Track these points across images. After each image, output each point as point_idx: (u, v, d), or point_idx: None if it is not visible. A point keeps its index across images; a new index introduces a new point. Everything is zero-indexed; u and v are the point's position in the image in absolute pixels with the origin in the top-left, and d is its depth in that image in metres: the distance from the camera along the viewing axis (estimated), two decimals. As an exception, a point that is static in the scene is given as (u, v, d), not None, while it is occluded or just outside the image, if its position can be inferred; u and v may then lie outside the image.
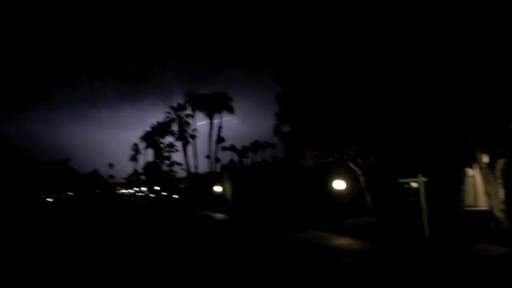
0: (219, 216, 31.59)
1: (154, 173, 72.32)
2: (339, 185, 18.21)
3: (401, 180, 15.29)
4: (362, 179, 18.41)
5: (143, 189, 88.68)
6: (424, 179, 14.74)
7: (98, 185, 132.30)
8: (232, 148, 56.05)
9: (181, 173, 65.26)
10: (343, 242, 16.05)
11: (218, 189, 35.95)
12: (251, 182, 29.54)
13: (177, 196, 61.54)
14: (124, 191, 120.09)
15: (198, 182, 49.10)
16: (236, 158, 52.98)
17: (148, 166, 79.52)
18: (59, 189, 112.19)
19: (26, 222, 39.01)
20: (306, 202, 22.48)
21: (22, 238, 25.26)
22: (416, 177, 15.15)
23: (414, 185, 15.49)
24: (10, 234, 28.60)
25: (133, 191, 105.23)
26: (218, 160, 50.06)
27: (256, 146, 50.71)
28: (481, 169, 15.04)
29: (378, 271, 11.83)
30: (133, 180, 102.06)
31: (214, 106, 48.25)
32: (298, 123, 18.81)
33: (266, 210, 25.68)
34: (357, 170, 18.47)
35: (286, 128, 20.32)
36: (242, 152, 53.34)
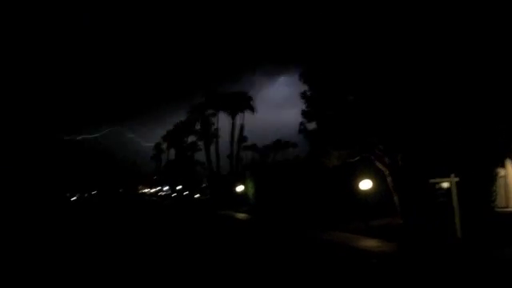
0: (241, 215, 31.42)
1: (175, 172, 72.65)
2: (366, 185, 17.77)
3: (432, 180, 14.74)
4: (389, 179, 17.89)
5: (165, 188, 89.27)
6: (456, 179, 14.18)
7: (121, 183, 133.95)
8: (253, 147, 55.69)
9: (203, 172, 65.26)
10: (370, 243, 15.60)
11: (240, 188, 35.83)
12: (274, 182, 29.26)
13: (198, 195, 61.73)
14: (146, 190, 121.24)
15: (220, 182, 49.07)
16: (257, 157, 52.57)
17: (170, 165, 79.98)
18: (82, 188, 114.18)
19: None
20: (329, 202, 22.06)
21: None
22: (446, 176, 14.61)
23: (445, 185, 14.94)
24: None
25: (154, 190, 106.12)
26: (239, 159, 49.78)
27: (278, 145, 50.26)
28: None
29: (407, 274, 11.39)
30: (155, 179, 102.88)
31: (235, 105, 48.09)
32: (323, 122, 18.42)
33: (288, 210, 25.36)
34: (384, 169, 17.96)
35: (310, 126, 19.95)
36: (264, 151, 52.95)
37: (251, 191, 35.59)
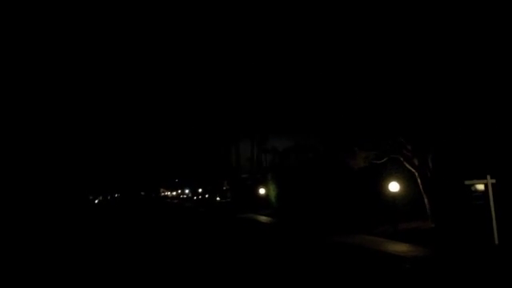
0: (263, 218, 30.84)
1: (197, 175, 72.66)
2: (394, 187, 17.03)
3: (467, 182, 13.91)
4: (419, 181, 17.12)
5: (186, 191, 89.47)
6: (493, 181, 13.35)
7: (143, 186, 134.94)
8: (274, 150, 55.15)
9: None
10: (400, 248, 14.84)
11: (262, 191, 35.30)
12: (297, 184, 28.64)
13: (219, 198, 61.49)
14: (168, 193, 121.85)
15: (241, 185, 48.67)
16: (277, 160, 51.97)
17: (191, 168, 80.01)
18: (105, 190, 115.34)
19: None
20: (355, 205, 21.33)
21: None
22: (481, 178, 13.78)
23: (480, 187, 14.11)
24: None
25: (175, 193, 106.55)
26: (260, 162, 49.30)
27: (298, 148, 49.65)
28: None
29: (442, 281, 10.67)
30: (176, 182, 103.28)
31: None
32: (349, 122, 17.79)
33: (312, 213, 24.70)
34: (413, 170, 17.20)
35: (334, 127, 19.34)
36: (284, 154, 52.36)
37: (273, 194, 35.04)
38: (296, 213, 27.56)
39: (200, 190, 72.01)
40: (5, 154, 52.00)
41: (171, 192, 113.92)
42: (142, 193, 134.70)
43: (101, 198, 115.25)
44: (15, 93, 52.93)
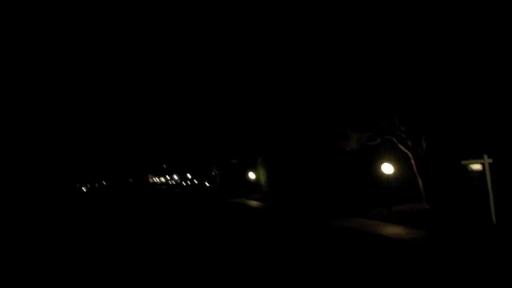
0: (254, 203, 30.52)
1: (185, 160, 71.98)
2: (387, 169, 16.76)
3: (463, 162, 13.62)
4: (413, 162, 16.86)
5: (175, 177, 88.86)
6: (490, 160, 13.09)
7: (130, 173, 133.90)
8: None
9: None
10: (394, 230, 14.60)
11: (251, 175, 34.94)
12: (287, 167, 28.29)
13: (208, 184, 61.10)
14: (156, 179, 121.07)
15: (231, 169, 48.24)
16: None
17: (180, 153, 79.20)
18: (92, 178, 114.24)
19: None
20: (348, 188, 21.03)
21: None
22: (478, 158, 13.52)
23: (477, 167, 13.85)
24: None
25: (164, 179, 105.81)
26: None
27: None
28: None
29: (440, 263, 10.42)
30: (164, 168, 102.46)
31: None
32: (341, 102, 17.37)
33: (304, 197, 24.41)
34: (407, 152, 16.92)
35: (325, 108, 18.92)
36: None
37: (263, 178, 34.73)
38: (287, 197, 27.28)
39: (189, 176, 71.52)
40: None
41: (159, 178, 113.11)
42: (130, 180, 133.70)
43: (88, 186, 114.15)
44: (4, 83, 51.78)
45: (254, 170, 35.54)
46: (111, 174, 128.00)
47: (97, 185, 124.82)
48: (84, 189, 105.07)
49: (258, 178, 35.49)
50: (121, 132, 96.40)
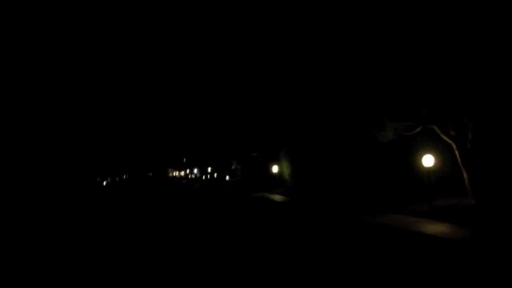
0: (278, 197, 29.27)
1: (205, 154, 71.31)
2: (428, 161, 15.34)
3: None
4: (457, 153, 15.37)
5: (195, 171, 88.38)
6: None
7: (151, 167, 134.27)
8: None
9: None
10: (436, 227, 13.23)
11: (274, 169, 33.67)
12: (314, 160, 26.93)
13: (228, 177, 60.19)
14: (176, 173, 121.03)
15: (251, 163, 47.14)
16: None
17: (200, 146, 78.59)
18: (112, 172, 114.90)
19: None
20: (383, 182, 19.60)
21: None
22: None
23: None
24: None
25: (184, 173, 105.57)
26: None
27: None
28: None
29: (488, 266, 9.09)
30: (184, 162, 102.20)
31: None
32: (376, 88, 15.96)
33: (333, 191, 23.06)
34: (450, 142, 15.44)
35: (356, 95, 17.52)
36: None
37: (287, 171, 33.45)
38: (314, 192, 25.96)
39: (209, 170, 70.81)
40: (14, 139, 51.42)
41: (179, 172, 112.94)
42: (150, 174, 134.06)
43: (109, 179, 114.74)
44: (25, 82, 52.03)
45: (277, 163, 34.30)
46: (132, 168, 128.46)
47: (117, 178, 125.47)
48: (104, 182, 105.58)
49: (280, 172, 34.26)
50: (142, 126, 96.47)
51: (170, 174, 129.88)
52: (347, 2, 16.61)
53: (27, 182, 53.75)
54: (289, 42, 21.21)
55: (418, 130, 15.95)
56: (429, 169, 15.53)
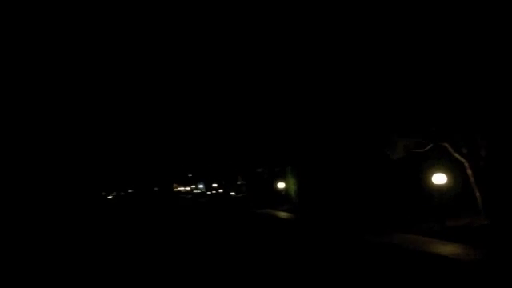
0: (283, 214, 28.77)
1: (210, 169, 70.99)
2: (439, 179, 14.86)
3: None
4: (469, 172, 14.89)
5: (200, 186, 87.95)
6: None
7: (156, 182, 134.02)
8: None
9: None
10: (448, 248, 12.67)
11: (280, 185, 33.23)
12: (321, 177, 26.48)
13: (233, 193, 59.76)
14: (181, 188, 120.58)
15: (257, 179, 46.73)
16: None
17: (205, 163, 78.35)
18: (117, 186, 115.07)
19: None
20: (391, 200, 19.06)
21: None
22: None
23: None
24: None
25: (189, 188, 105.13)
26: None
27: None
28: None
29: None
30: (189, 177, 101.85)
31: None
32: (384, 104, 15.59)
33: (339, 209, 22.52)
34: (462, 160, 14.98)
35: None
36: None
37: (293, 188, 33.00)
38: (320, 209, 25.44)
39: (215, 185, 70.42)
40: (18, 152, 51.77)
41: (184, 187, 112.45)
42: (156, 188, 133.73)
43: (114, 193, 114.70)
44: (25, 92, 52.29)
45: (283, 180, 33.89)
46: (137, 183, 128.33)
47: (122, 193, 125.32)
48: (110, 196, 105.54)
49: (286, 188, 33.81)
50: (147, 141, 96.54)
51: (175, 189, 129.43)
52: (354, 15, 16.37)
53: (34, 192, 54.17)
54: (296, 57, 20.99)
55: (429, 147, 15.52)
56: (440, 187, 15.04)
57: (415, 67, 14.65)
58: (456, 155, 15.05)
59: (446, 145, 15.01)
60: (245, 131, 46.10)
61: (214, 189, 70.79)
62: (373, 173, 20.33)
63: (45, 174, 58.35)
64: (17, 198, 49.00)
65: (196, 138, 71.52)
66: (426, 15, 13.81)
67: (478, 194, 14.83)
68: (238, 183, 62.55)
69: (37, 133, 55.22)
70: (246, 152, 50.51)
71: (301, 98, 23.09)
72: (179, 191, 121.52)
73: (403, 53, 14.92)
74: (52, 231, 30.60)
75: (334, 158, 23.50)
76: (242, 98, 40.28)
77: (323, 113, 21.55)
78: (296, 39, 20.15)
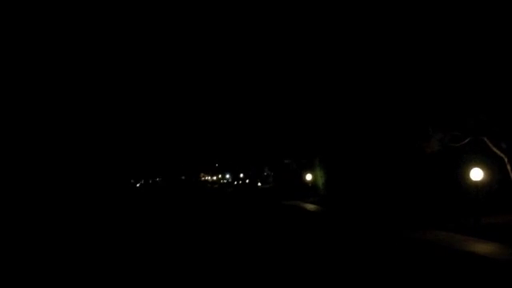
0: (311, 207, 28.43)
1: (237, 159, 71.22)
2: (476, 174, 14.28)
3: None
4: (508, 167, 14.27)
5: (227, 176, 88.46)
6: None
7: (184, 171, 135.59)
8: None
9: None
10: (485, 247, 12.19)
11: (308, 177, 32.90)
12: (350, 169, 26.03)
13: (260, 184, 59.76)
14: (208, 178, 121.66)
15: (284, 170, 46.53)
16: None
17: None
18: (146, 174, 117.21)
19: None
20: (427, 194, 18.45)
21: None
22: None
23: None
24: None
25: (216, 178, 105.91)
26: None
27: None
28: None
29: None
30: (216, 167, 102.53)
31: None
32: (420, 95, 15.06)
33: (369, 203, 22.05)
34: (502, 155, 14.35)
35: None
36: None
37: (320, 180, 32.66)
38: (348, 202, 25.02)
39: (241, 175, 70.61)
40: (50, 142, 53.29)
41: (211, 177, 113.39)
42: (183, 177, 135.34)
43: (142, 181, 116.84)
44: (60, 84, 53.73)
45: (311, 171, 33.53)
46: (165, 171, 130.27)
47: (150, 181, 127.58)
48: (138, 184, 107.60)
49: (314, 180, 33.45)
50: (176, 130, 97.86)
51: (203, 178, 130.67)
52: (390, 14, 15.85)
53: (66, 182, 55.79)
54: (328, 48, 20.57)
55: (466, 141, 14.93)
56: (477, 183, 14.48)
57: (453, 56, 14.08)
58: (495, 150, 14.44)
59: (485, 139, 14.40)
60: (273, 122, 45.91)
61: (241, 179, 71.00)
62: (406, 166, 19.74)
63: (77, 162, 59.96)
64: (52, 185, 50.70)
65: (224, 128, 71.89)
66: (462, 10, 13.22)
67: (517, 190, 14.23)
68: (265, 174, 62.48)
69: (70, 122, 56.66)
70: (274, 143, 50.32)
71: (332, 87, 22.65)
72: (206, 180, 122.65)
73: (439, 42, 14.36)
74: (85, 217, 31.35)
75: (365, 150, 22.96)
76: (270, 88, 40.03)
77: (354, 103, 21.08)
78: (330, 33, 19.74)
